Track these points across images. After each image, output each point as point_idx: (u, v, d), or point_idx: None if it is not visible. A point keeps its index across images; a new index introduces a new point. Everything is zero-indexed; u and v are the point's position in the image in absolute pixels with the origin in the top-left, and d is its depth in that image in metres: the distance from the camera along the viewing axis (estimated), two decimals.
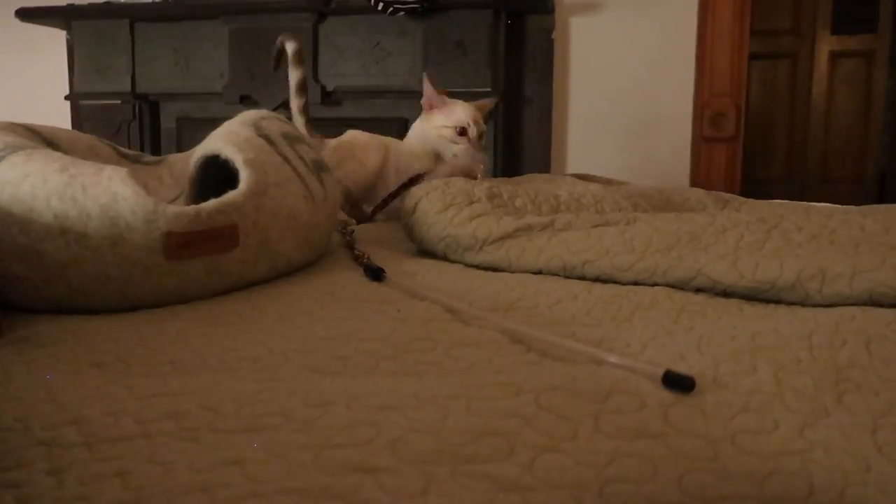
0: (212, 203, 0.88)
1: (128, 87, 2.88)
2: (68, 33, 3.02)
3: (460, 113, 1.81)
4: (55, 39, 3.11)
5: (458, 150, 1.79)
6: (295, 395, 0.56)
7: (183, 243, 0.84)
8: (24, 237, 0.80)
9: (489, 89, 2.56)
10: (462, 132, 1.79)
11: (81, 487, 0.45)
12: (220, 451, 0.48)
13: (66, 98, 2.97)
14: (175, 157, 1.26)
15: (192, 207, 0.85)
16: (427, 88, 1.82)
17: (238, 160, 0.96)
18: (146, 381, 0.62)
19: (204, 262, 0.87)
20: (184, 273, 0.86)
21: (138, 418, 0.53)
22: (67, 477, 0.47)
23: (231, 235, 0.89)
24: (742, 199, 1.58)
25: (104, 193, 0.81)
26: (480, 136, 1.82)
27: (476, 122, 1.82)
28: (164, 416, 0.53)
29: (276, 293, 0.92)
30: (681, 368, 0.61)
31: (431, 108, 1.84)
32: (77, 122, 2.98)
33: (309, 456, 0.47)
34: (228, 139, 1.00)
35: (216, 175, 1.03)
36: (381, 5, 2.50)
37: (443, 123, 1.80)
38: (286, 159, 1.03)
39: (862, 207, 1.12)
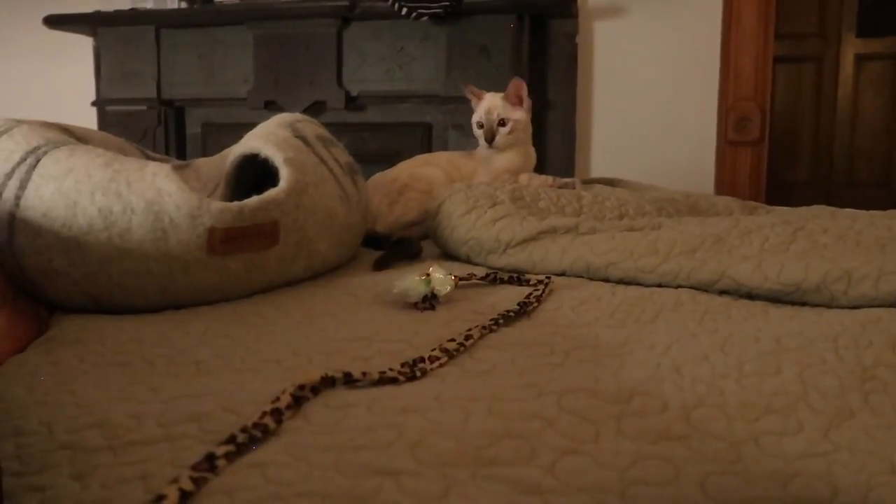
0: (254, 199, 0.88)
1: (153, 93, 2.90)
2: (95, 40, 3.05)
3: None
4: (82, 46, 3.14)
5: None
6: (317, 397, 0.56)
7: (225, 239, 0.84)
8: (66, 231, 0.80)
9: None
10: (479, 126, 1.62)
11: (105, 491, 0.46)
12: (241, 453, 0.48)
13: (93, 104, 2.99)
14: (202, 161, 1.27)
15: (236, 203, 0.86)
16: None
17: (278, 159, 0.97)
18: (170, 382, 0.62)
19: (244, 258, 0.88)
20: (223, 269, 0.86)
21: (161, 421, 0.53)
22: (91, 481, 0.47)
23: (272, 233, 0.89)
24: (769, 207, 1.56)
25: (149, 189, 0.82)
26: (502, 122, 1.60)
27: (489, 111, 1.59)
28: (187, 419, 0.53)
29: (300, 294, 0.92)
30: (704, 369, 0.60)
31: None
32: (103, 128, 3.00)
33: (330, 458, 0.47)
34: (267, 139, 1.01)
35: (247, 178, 1.04)
36: (404, 10, 2.50)
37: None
38: (322, 160, 1.04)
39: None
